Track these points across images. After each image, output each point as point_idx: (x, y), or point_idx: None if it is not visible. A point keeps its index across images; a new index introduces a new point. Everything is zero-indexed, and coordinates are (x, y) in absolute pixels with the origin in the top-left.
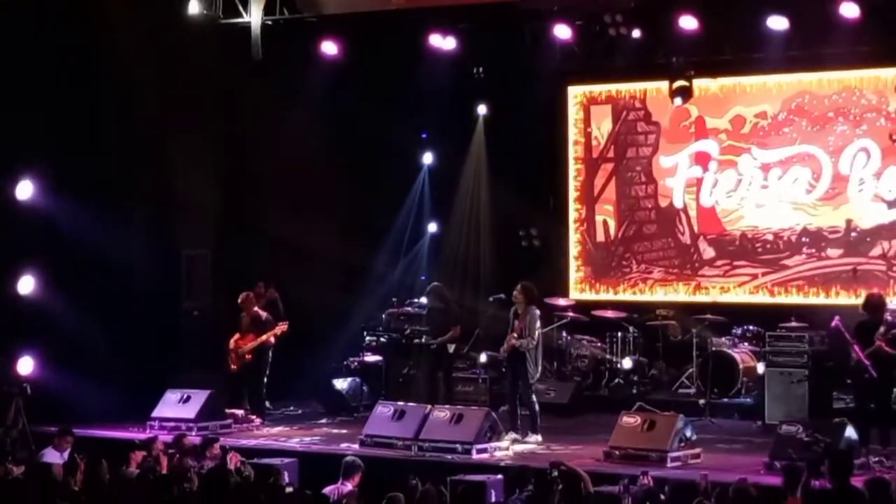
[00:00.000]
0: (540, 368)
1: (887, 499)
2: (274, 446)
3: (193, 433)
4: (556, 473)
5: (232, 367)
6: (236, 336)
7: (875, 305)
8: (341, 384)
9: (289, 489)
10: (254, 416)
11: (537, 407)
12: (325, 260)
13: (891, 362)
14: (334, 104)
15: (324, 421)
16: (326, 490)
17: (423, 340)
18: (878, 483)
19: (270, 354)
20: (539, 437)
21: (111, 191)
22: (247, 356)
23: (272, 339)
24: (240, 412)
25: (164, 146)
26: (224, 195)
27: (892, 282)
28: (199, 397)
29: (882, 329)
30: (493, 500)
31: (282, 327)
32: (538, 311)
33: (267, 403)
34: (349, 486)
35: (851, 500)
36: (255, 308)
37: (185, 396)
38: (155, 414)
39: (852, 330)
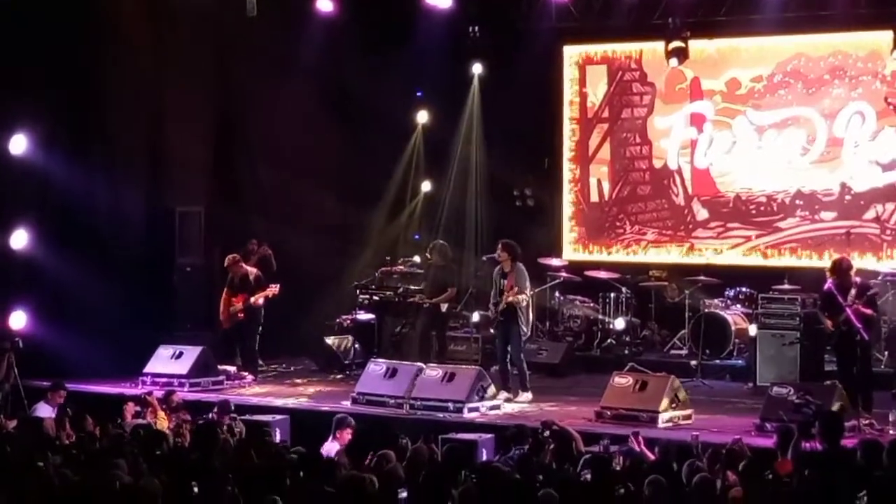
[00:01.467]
0: (530, 327)
1: (880, 460)
2: (265, 403)
3: (185, 389)
4: (547, 433)
5: (224, 325)
6: (226, 294)
7: (845, 269)
8: (334, 342)
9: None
10: (246, 373)
11: (525, 365)
12: (318, 218)
13: (872, 324)
14: (329, 62)
15: (316, 378)
16: (322, 449)
17: (418, 299)
18: (872, 445)
19: (262, 312)
20: (530, 395)
21: (105, 147)
22: (238, 315)
23: (261, 301)
24: (232, 369)
25: (159, 103)
26: (218, 153)
27: (886, 245)
28: (192, 353)
29: (854, 291)
30: (484, 458)
31: (273, 289)
32: (524, 268)
33: (259, 361)
34: (337, 445)
35: (843, 462)
36: (245, 267)
37: (177, 352)
38: (147, 369)
39: (824, 294)
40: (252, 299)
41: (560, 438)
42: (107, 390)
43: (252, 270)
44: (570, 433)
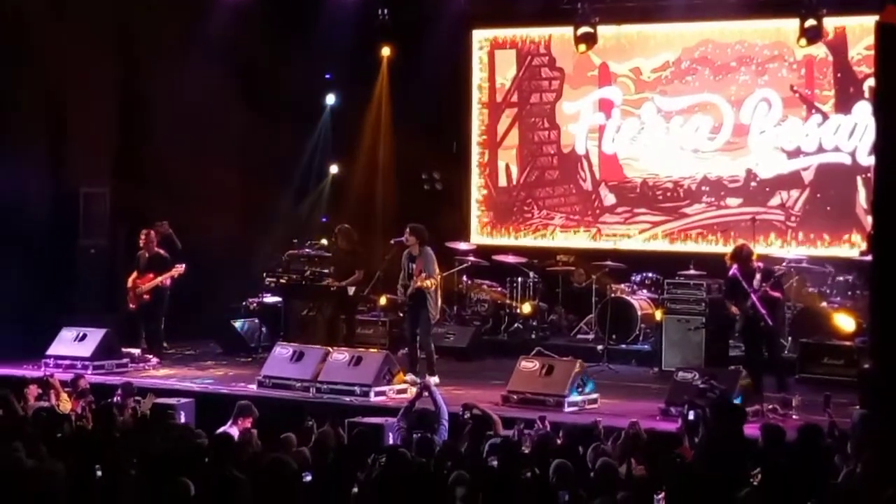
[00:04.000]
0: (438, 311)
1: (781, 444)
2: (170, 386)
3: (89, 371)
4: (468, 415)
5: (130, 305)
6: (134, 275)
7: (745, 256)
8: (240, 325)
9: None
10: (150, 356)
11: (433, 348)
12: (225, 200)
13: (778, 309)
14: (236, 42)
15: (222, 362)
16: (218, 432)
17: (325, 282)
18: (773, 429)
19: (168, 294)
20: (437, 379)
21: (4, 128)
22: (144, 296)
23: (168, 281)
24: (136, 351)
25: (60, 83)
26: (123, 133)
27: (790, 231)
28: (95, 336)
29: (758, 277)
30: (391, 441)
31: (178, 269)
32: (432, 252)
33: (164, 343)
34: (236, 431)
35: (740, 447)
36: (156, 247)
37: (80, 334)
38: (50, 352)
39: (729, 280)
40: (159, 279)
41: (479, 421)
42: (8, 372)
43: (161, 251)
44: (490, 416)
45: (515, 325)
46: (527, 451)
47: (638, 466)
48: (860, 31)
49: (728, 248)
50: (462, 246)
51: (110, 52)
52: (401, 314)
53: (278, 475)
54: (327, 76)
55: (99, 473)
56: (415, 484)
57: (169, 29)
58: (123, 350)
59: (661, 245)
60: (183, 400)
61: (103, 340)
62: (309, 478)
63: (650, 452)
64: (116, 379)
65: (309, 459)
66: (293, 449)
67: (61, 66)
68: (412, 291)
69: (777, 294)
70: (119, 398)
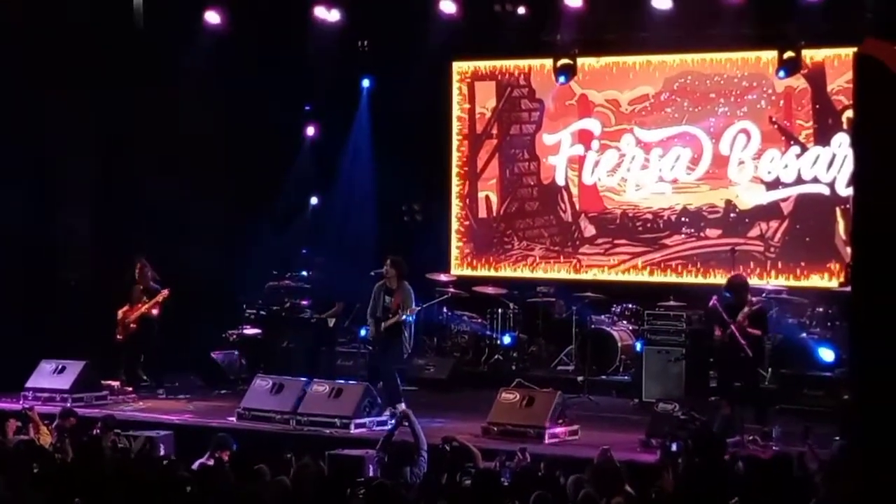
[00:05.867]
0: (412, 345)
1: (761, 475)
2: (150, 418)
3: (68, 404)
4: (448, 448)
5: (118, 336)
6: (126, 307)
7: (739, 286)
8: (220, 357)
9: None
10: (130, 388)
11: (399, 381)
12: (205, 231)
13: (759, 342)
14: (217, 75)
15: (202, 394)
16: (195, 465)
17: (306, 314)
18: (751, 460)
19: (157, 325)
20: (402, 407)
21: None
22: (131, 325)
23: (155, 310)
24: (116, 383)
25: (41, 114)
26: (103, 165)
27: (769, 262)
28: (74, 368)
29: (746, 310)
30: (371, 474)
31: (163, 294)
32: (409, 286)
33: (144, 376)
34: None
35: (721, 477)
36: (150, 281)
37: (59, 367)
38: (29, 384)
39: (709, 310)
40: (146, 307)
41: (459, 454)
42: None
43: (153, 284)
44: (469, 449)
45: (496, 356)
46: (506, 483)
47: (616, 498)
48: (839, 63)
49: (708, 280)
50: (442, 277)
51: (93, 84)
52: (370, 347)
53: None
54: (307, 107)
55: None
56: None
57: (152, 63)
58: (103, 382)
59: (641, 276)
60: (162, 432)
61: (83, 373)
62: None
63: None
64: (96, 412)
65: (289, 488)
66: (266, 479)
67: (41, 99)
68: (389, 325)
69: (756, 332)
70: (99, 431)
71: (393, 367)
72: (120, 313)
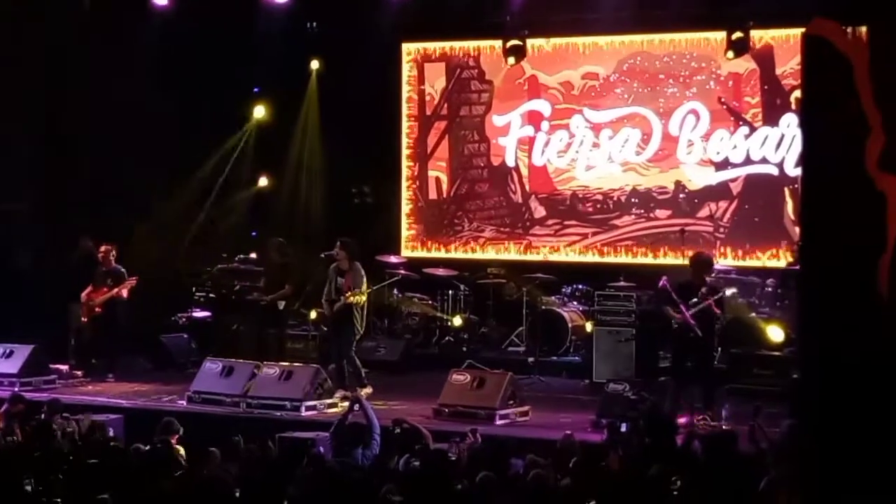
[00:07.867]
0: (364, 326)
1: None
2: (100, 402)
3: (16, 388)
4: (398, 430)
5: (82, 318)
6: (89, 289)
7: (703, 263)
8: (169, 340)
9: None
10: (80, 371)
11: (358, 361)
12: (151, 213)
13: (713, 322)
14: (164, 56)
15: (151, 377)
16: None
17: (255, 296)
18: (702, 438)
19: (123, 310)
20: (369, 390)
21: None
22: (97, 308)
23: (124, 294)
24: (65, 367)
25: None
26: (46, 147)
27: (719, 243)
28: (23, 352)
29: (704, 289)
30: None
31: (131, 282)
32: (361, 267)
33: (92, 359)
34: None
35: (670, 457)
36: (114, 263)
37: (7, 351)
38: None
39: (659, 291)
40: (114, 291)
41: (410, 436)
42: None
43: (118, 266)
44: (420, 430)
45: (446, 338)
46: (454, 459)
47: (564, 478)
48: (788, 44)
49: (658, 260)
50: (392, 259)
51: (35, 66)
52: (325, 328)
53: (211, 492)
54: (255, 89)
55: (28, 488)
56: (345, 496)
57: (97, 43)
58: (52, 366)
59: (592, 257)
60: (112, 416)
61: (31, 357)
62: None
63: (580, 464)
64: (45, 395)
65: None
66: (217, 464)
67: None
68: (340, 307)
69: (717, 311)
70: (44, 415)
71: (348, 349)
72: (84, 296)
